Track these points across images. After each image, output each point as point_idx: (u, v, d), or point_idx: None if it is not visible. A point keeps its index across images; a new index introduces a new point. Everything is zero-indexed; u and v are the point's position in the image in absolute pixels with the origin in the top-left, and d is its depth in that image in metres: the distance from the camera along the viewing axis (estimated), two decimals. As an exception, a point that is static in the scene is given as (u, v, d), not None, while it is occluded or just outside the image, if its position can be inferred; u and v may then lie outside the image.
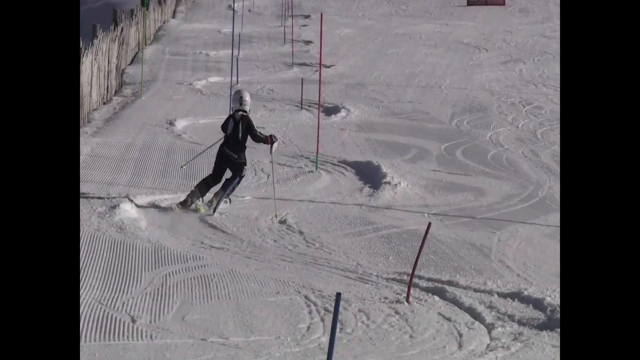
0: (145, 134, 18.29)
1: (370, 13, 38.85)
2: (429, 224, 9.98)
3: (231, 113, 13.67)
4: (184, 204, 13.09)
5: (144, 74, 23.85)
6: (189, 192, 13.28)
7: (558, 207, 13.73)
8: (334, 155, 16.77)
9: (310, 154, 16.64)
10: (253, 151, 16.96)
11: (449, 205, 14.02)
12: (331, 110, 20.98)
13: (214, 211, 12.98)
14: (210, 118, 20.07)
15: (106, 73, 22.24)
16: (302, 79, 22.60)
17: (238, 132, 13.31)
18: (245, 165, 13.49)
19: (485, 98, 22.53)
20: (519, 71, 26.06)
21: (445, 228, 12.78)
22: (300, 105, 21.36)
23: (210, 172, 13.55)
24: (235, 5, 40.51)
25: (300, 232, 12.30)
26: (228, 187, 13.33)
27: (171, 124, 19.18)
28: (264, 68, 26.54)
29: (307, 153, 16.88)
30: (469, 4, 40.42)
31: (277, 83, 24.30)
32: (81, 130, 18.59)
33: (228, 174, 13.58)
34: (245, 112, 13.42)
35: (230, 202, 13.46)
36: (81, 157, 16.04)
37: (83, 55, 19.19)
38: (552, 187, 15.07)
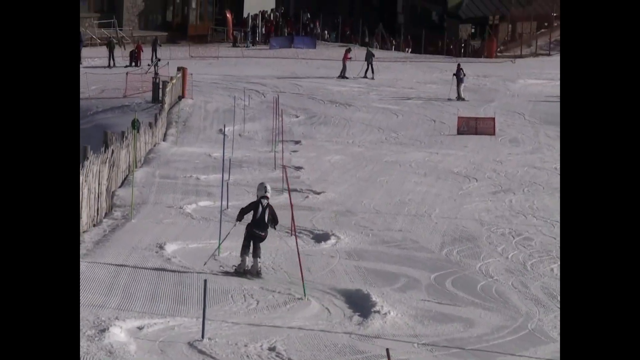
0: (135, 257, 18.50)
1: (360, 140, 39.45)
2: (387, 350, 10.15)
3: (255, 200, 17.31)
4: (237, 272, 17.12)
5: (134, 196, 24.17)
6: (239, 264, 17.28)
7: (548, 340, 13.93)
8: (323, 283, 17.00)
9: (300, 281, 16.86)
10: (243, 277, 17.21)
11: (438, 335, 14.21)
12: (321, 237, 21.27)
13: (258, 274, 17.04)
14: (200, 242, 20.31)
15: (96, 195, 22.53)
16: (291, 205, 22.90)
17: (265, 215, 17.04)
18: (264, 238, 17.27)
19: (475, 228, 22.87)
20: (508, 202, 26.47)
21: (435, 359, 12.96)
22: (290, 231, 21.63)
23: (242, 247, 17.30)
24: (226, 129, 41.20)
25: (290, 360, 12.47)
26: (254, 256, 17.22)
27: (161, 247, 19.40)
28: (255, 193, 26.81)
29: (296, 279, 17.10)
30: (459, 132, 41.10)
31: (267, 208, 24.59)
32: (70, 252, 18.80)
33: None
34: (268, 199, 17.15)
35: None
36: (70, 280, 16.22)
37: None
38: (542, 320, 15.29)
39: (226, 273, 17.58)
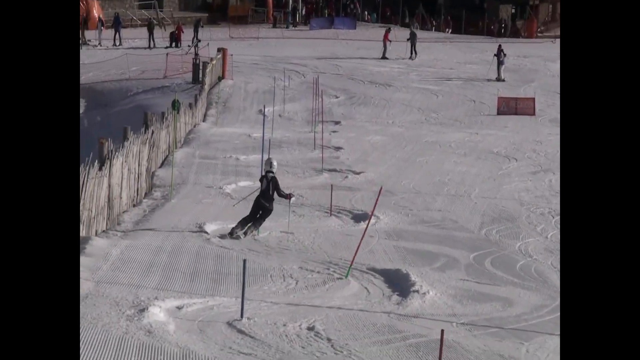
0: (175, 238, 18.55)
1: (400, 120, 39.34)
2: (442, 331, 10.12)
3: (263, 174, 18.84)
4: (230, 235, 18.47)
5: (174, 177, 24.23)
6: (234, 226, 18.58)
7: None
8: (362, 263, 16.96)
9: (340, 261, 16.84)
10: (282, 257, 17.23)
11: (477, 315, 14.15)
12: (360, 217, 21.22)
13: (245, 235, 18.46)
14: (239, 222, 20.31)
15: (136, 175, 22.61)
16: (331, 185, 22.92)
17: (269, 188, 18.58)
18: (272, 209, 18.71)
19: (514, 208, 22.73)
20: (548, 181, 26.29)
21: (474, 338, 12.90)
22: (329, 211, 21.62)
23: (248, 214, 18.75)
24: (266, 110, 41.23)
25: (329, 339, 12.45)
26: (258, 224, 18.81)
27: (200, 228, 19.44)
28: (294, 173, 26.87)
29: (336, 259, 17.09)
30: (499, 113, 40.87)
31: (307, 189, 24.60)
32: (111, 232, 18.90)
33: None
34: (274, 173, 18.61)
35: (258, 233, 18.73)
36: (110, 259, 16.30)
37: (114, 157, 19.58)
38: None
39: (267, 253, 17.58)
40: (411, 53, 55.29)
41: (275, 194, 18.72)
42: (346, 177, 26.33)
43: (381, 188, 18.61)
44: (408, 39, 55.81)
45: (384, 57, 55.14)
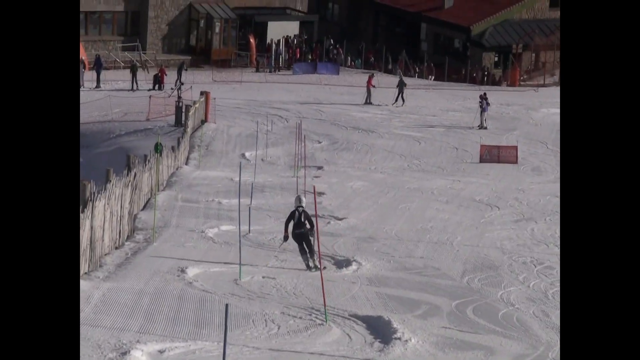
0: (157, 281, 18.59)
1: (382, 166, 39.52)
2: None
3: (293, 209, 20.89)
4: (310, 269, 20.44)
5: (156, 219, 24.28)
6: (305, 262, 20.66)
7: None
8: (344, 309, 17.02)
9: (321, 306, 16.90)
10: (264, 302, 17.27)
11: (459, 363, 14.21)
12: (342, 263, 21.29)
13: (313, 267, 20.29)
14: (222, 266, 20.38)
15: (119, 218, 22.65)
16: (317, 231, 22.95)
17: (301, 218, 20.65)
18: (307, 232, 20.65)
19: (496, 256, 22.85)
20: (530, 230, 26.44)
21: (456, 386, 12.96)
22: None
23: (299, 250, 20.77)
24: (248, 154, 41.36)
25: (311, 385, 12.50)
26: (310, 250, 20.70)
27: (182, 271, 19.48)
28: (276, 218, 26.92)
29: (318, 305, 17.14)
30: (482, 160, 41.10)
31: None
32: (92, 274, 18.90)
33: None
34: (303, 207, 20.77)
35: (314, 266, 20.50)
36: (92, 302, 16.32)
37: (96, 199, 19.62)
38: (563, 349, 15.25)
39: (249, 298, 17.62)
40: (396, 99, 55.50)
41: (307, 223, 20.66)
42: (328, 222, 26.40)
43: (314, 188, 20.75)
44: (397, 86, 56.05)
45: (368, 103, 55.40)
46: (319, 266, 19.52)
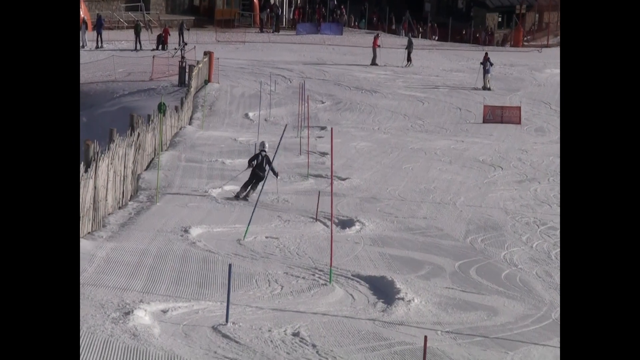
0: (160, 241, 18.53)
1: (386, 127, 39.37)
2: (425, 338, 10.15)
3: (256, 152, 24.42)
4: (236, 197, 23.63)
5: (159, 179, 24.20)
6: (238, 191, 23.88)
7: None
8: (347, 269, 16.96)
9: (325, 267, 16.84)
10: (267, 262, 17.22)
11: (462, 323, 14.16)
12: (346, 224, 21.22)
13: (246, 198, 23.64)
14: (225, 226, 20.32)
15: (122, 178, 22.56)
16: (319, 192, 22.91)
17: (263, 163, 23.83)
18: (265, 177, 22.99)
19: (499, 216, 22.77)
20: (533, 191, 26.34)
21: (459, 346, 12.91)
22: (315, 217, 21.62)
23: (247, 180, 23.96)
24: (252, 114, 41.19)
25: (313, 346, 12.45)
26: (255, 187, 23.55)
27: (186, 231, 19.43)
28: (279, 178, 26.86)
29: (321, 265, 17.09)
30: (485, 121, 40.96)
31: (292, 194, 24.60)
32: (96, 234, 18.85)
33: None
34: (266, 152, 24.00)
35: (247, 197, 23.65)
36: (95, 262, 16.28)
37: (99, 159, 19.53)
38: (566, 309, 15.19)
39: (252, 258, 17.57)
40: (407, 60, 55.32)
41: (268, 167, 23.35)
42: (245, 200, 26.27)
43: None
44: (406, 47, 55.82)
45: (373, 64, 55.16)
46: (247, 199, 23.56)
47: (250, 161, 24.41)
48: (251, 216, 19.58)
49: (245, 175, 24.54)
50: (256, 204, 20.24)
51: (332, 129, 18.92)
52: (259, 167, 23.94)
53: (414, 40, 59.33)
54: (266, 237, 19.43)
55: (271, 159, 23.01)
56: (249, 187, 23.91)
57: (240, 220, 20.67)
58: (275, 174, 23.79)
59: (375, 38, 56.70)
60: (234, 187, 24.74)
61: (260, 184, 23.22)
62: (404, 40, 60.25)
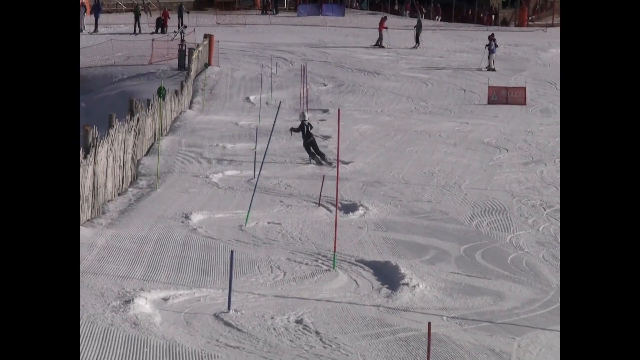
0: (161, 227, 18.49)
1: (389, 109, 39.30)
2: (429, 324, 10.11)
3: (302, 120, 27.51)
4: (318, 163, 26.62)
5: (159, 165, 24.15)
6: (315, 161, 26.76)
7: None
8: (351, 254, 16.91)
9: (328, 252, 16.79)
10: (270, 248, 17.17)
11: (468, 308, 14.11)
12: (349, 208, 21.17)
13: (325, 161, 26.65)
14: (226, 212, 20.27)
15: (122, 164, 22.52)
16: (323, 176, 22.85)
17: (310, 130, 27.04)
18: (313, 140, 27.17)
19: (505, 199, 22.71)
20: (539, 173, 26.27)
21: (464, 332, 12.87)
22: (318, 202, 21.56)
23: (309, 153, 26.97)
24: (253, 97, 41.13)
25: (317, 333, 12.41)
26: (318, 153, 26.97)
27: (187, 217, 19.39)
28: (281, 162, 26.82)
29: (324, 251, 17.04)
30: (490, 102, 40.85)
31: (294, 178, 24.55)
32: (95, 221, 18.81)
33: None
34: (307, 120, 27.35)
35: (325, 159, 26.75)
36: (95, 249, 16.24)
37: (99, 145, 19.48)
38: (574, 293, 15.13)
39: (254, 244, 17.53)
40: (416, 42, 55.27)
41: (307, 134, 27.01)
42: (334, 167, 26.25)
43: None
44: (415, 27, 55.77)
45: (380, 46, 55.01)
46: (325, 160, 26.39)
47: (292, 130, 27.50)
48: (251, 201, 19.53)
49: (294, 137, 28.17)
50: (255, 189, 20.18)
51: (339, 110, 18.71)
52: (307, 137, 26.90)
53: (415, 21, 59.23)
54: (268, 223, 19.38)
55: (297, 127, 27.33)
56: (316, 154, 26.61)
57: (242, 205, 20.61)
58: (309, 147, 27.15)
59: (382, 20, 56.56)
60: (235, 173, 24.71)
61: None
62: (407, 21, 60.19)
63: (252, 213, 19.29)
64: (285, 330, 12.48)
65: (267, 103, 39.65)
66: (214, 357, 11.07)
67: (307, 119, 27.34)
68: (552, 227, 20.00)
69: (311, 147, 26.71)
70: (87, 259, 15.47)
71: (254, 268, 15.65)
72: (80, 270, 14.43)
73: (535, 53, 53.78)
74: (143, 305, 13.01)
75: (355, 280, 15.36)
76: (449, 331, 12.92)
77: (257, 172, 23.29)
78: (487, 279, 15.94)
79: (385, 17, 59.23)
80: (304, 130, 26.93)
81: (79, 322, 11.63)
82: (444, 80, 45.82)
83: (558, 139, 31.63)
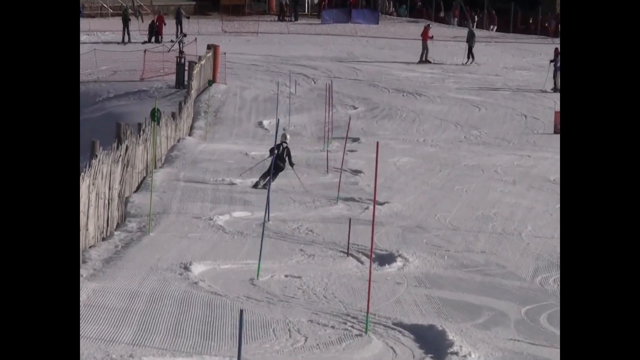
0: (154, 280, 18.55)
1: (433, 138, 39.38)
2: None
3: (278, 143, 27.34)
4: (255, 186, 28.51)
5: (153, 204, 24.23)
6: (257, 181, 28.71)
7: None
8: (387, 316, 16.91)
9: (359, 313, 16.79)
10: (288, 307, 17.18)
11: (531, 385, 14.10)
12: (385, 259, 21.18)
13: (257, 186, 28.54)
14: (234, 262, 20.32)
15: (107, 202, 22.60)
16: (349, 219, 22.88)
17: (284, 154, 29.10)
18: (284, 168, 29.25)
19: (576, 250, 22.64)
20: (618, 218, 26.20)
21: (528, 414, 12.85)
22: (346, 251, 21.58)
23: (265, 171, 28.08)
24: (266, 122, 41.28)
25: (346, 413, 12.41)
26: (274, 177, 27.55)
27: (186, 268, 19.43)
28: (302, 202, 26.86)
29: (354, 312, 17.04)
30: (556, 131, 40.84)
31: (318, 222, 24.58)
32: (75, 271, 18.87)
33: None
34: (287, 144, 29.36)
35: (266, 186, 25.80)
36: (74, 306, 16.28)
37: (79, 179, 19.57)
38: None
39: (269, 302, 17.56)
40: (468, 57, 55.41)
41: (287, 159, 29.14)
42: (366, 208, 26.29)
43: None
44: (466, 41, 55.93)
45: (426, 61, 55.13)
46: (265, 186, 26.99)
47: (271, 150, 28.16)
48: (260, 247, 19.54)
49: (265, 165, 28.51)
50: (263, 231, 20.20)
51: (377, 143, 18.61)
52: (279, 158, 28.57)
53: (464, 31, 59.49)
54: (286, 276, 19.41)
55: (291, 151, 29.30)
56: (268, 177, 26.99)
57: (253, 254, 20.63)
58: (292, 164, 29.32)
59: (426, 29, 56.72)
60: (245, 214, 24.78)
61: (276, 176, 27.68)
62: (455, 31, 60.44)
63: (266, 264, 19.31)
64: (307, 408, 12.48)
65: (284, 129, 39.78)
66: None
67: (287, 141, 29.64)
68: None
69: (274, 171, 27.26)
70: (64, 317, 15.50)
71: (268, 332, 15.67)
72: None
73: (613, 71, 53.83)
74: (132, 375, 13.04)
75: (392, 348, 15.37)
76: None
77: (267, 214, 23.33)
78: (555, 347, 15.90)
79: (429, 24, 59.48)
80: (279, 151, 28.35)
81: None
82: (500, 104, 45.92)
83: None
